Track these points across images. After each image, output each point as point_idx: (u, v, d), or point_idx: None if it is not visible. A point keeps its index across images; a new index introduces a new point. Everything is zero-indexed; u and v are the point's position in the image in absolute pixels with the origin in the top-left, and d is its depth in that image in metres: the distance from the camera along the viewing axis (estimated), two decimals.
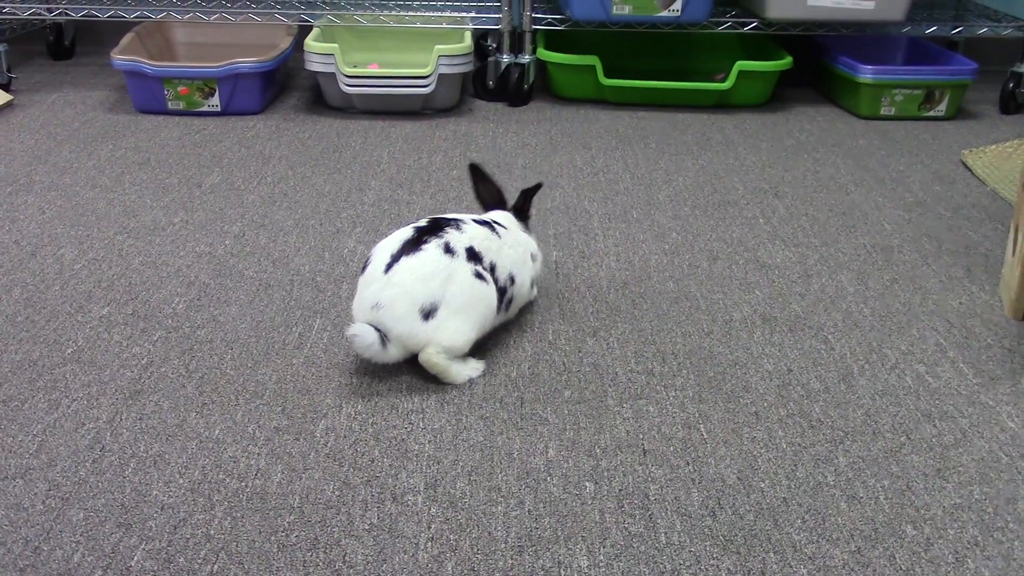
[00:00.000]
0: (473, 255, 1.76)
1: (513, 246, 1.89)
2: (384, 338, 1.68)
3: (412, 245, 1.72)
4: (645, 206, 2.57)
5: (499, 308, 1.82)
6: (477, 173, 2.04)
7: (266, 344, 1.86)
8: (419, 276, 1.69)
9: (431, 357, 1.70)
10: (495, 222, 1.90)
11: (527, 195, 2.04)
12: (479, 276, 1.75)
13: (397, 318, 1.68)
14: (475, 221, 1.84)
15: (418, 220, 1.81)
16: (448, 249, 1.73)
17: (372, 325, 1.68)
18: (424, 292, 1.68)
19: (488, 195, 2.04)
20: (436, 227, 1.77)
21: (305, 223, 2.40)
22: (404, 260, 1.70)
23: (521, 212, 2.04)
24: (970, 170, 2.90)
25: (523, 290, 1.91)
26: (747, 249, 2.33)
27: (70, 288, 2.06)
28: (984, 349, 1.91)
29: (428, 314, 1.69)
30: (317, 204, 2.52)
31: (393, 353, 1.71)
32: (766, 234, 2.42)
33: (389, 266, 1.70)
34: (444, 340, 1.70)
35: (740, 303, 2.07)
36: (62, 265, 2.16)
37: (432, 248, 1.72)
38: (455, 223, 1.80)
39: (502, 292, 1.82)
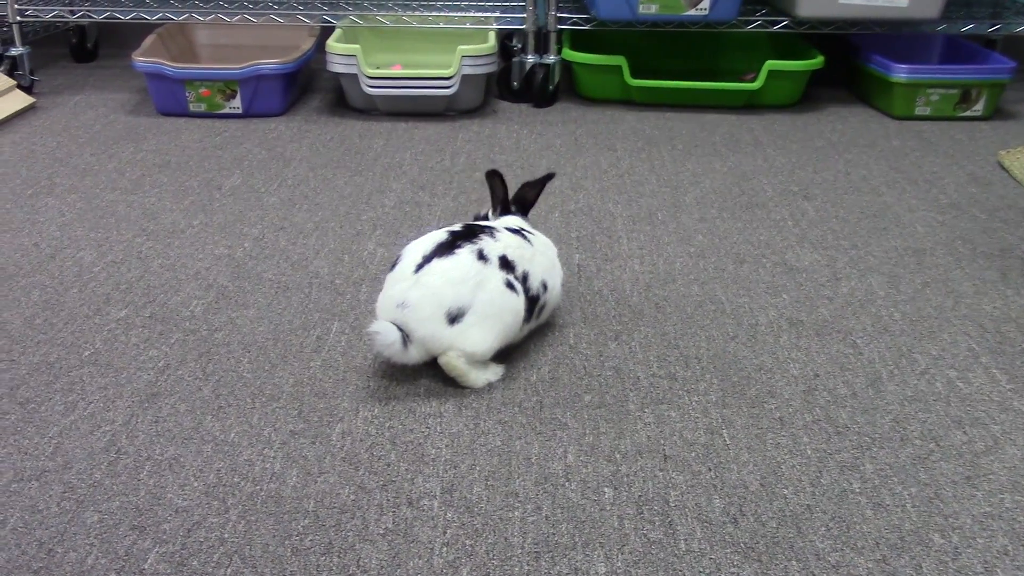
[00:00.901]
0: (506, 264, 1.76)
1: (544, 251, 1.90)
2: (406, 338, 1.69)
3: (446, 248, 1.74)
4: (671, 208, 2.56)
5: (531, 316, 1.83)
6: (495, 179, 2.03)
7: (283, 347, 1.88)
8: (450, 279, 1.70)
9: (451, 360, 1.71)
10: (523, 230, 1.91)
11: (535, 187, 2.03)
12: (510, 286, 1.75)
13: (422, 320, 1.69)
14: (508, 229, 1.85)
15: (452, 224, 1.82)
16: (482, 256, 1.74)
17: (395, 324, 1.69)
18: (453, 296, 1.69)
19: (498, 196, 2.03)
20: (471, 233, 1.78)
21: (325, 225, 2.42)
22: (436, 262, 1.71)
23: (523, 205, 2.03)
24: (1007, 171, 2.87)
25: (555, 293, 1.91)
26: (774, 252, 2.32)
27: (88, 291, 2.09)
28: (1018, 355, 1.89)
29: (454, 319, 1.69)
30: (337, 206, 2.54)
31: (413, 354, 1.72)
32: (794, 237, 2.41)
33: (420, 266, 1.72)
34: (466, 346, 1.71)
35: (766, 307, 2.06)
36: (81, 268, 2.19)
37: (466, 253, 1.73)
38: (490, 231, 1.81)
39: (534, 300, 1.82)
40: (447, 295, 1.69)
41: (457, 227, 1.81)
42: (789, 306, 2.07)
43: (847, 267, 2.25)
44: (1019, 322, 2.01)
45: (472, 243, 1.75)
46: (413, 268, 1.72)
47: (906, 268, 2.25)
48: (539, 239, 1.93)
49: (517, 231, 1.87)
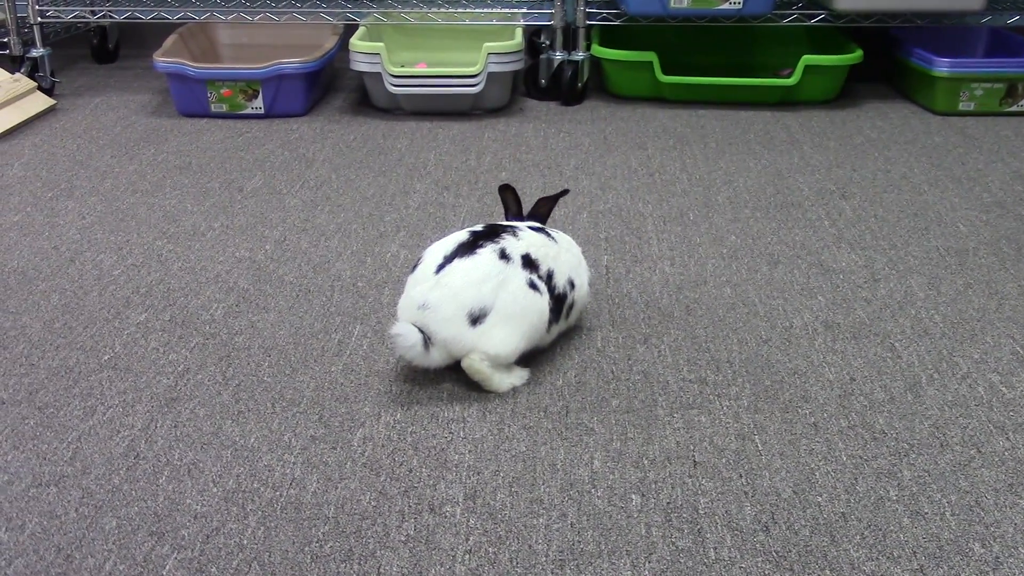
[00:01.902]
0: (529, 263, 1.77)
1: (569, 248, 1.91)
2: (427, 341, 1.70)
3: (467, 248, 1.75)
4: (703, 208, 2.56)
5: (559, 317, 1.83)
6: (507, 193, 2.02)
7: (304, 351, 1.89)
8: (471, 280, 1.71)
9: (474, 364, 1.72)
10: (546, 229, 1.92)
11: (548, 203, 2.03)
12: (533, 286, 1.76)
13: (443, 321, 1.70)
14: (531, 228, 1.86)
15: (474, 225, 1.84)
16: (504, 255, 1.75)
17: (416, 326, 1.70)
18: (475, 296, 1.70)
19: (512, 211, 2.02)
20: (493, 232, 1.79)
21: (347, 227, 2.44)
22: (457, 262, 1.73)
23: (538, 219, 2.01)
24: None
25: (583, 292, 1.92)
26: (810, 253, 2.31)
27: (108, 294, 2.12)
28: None
29: (476, 319, 1.70)
30: (360, 208, 2.56)
31: (435, 357, 1.73)
32: (831, 237, 2.40)
33: (441, 267, 1.73)
34: (489, 348, 1.72)
35: (801, 309, 2.05)
36: (101, 271, 2.22)
37: (487, 252, 1.74)
38: (512, 230, 1.82)
39: (560, 300, 1.82)
40: (468, 295, 1.70)
41: (479, 227, 1.82)
42: (825, 308, 2.06)
43: (886, 268, 2.24)
44: None
45: (494, 242, 1.76)
46: (434, 269, 1.73)
47: (947, 269, 2.24)
48: (563, 237, 1.94)
49: (540, 229, 1.88)
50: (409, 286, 1.76)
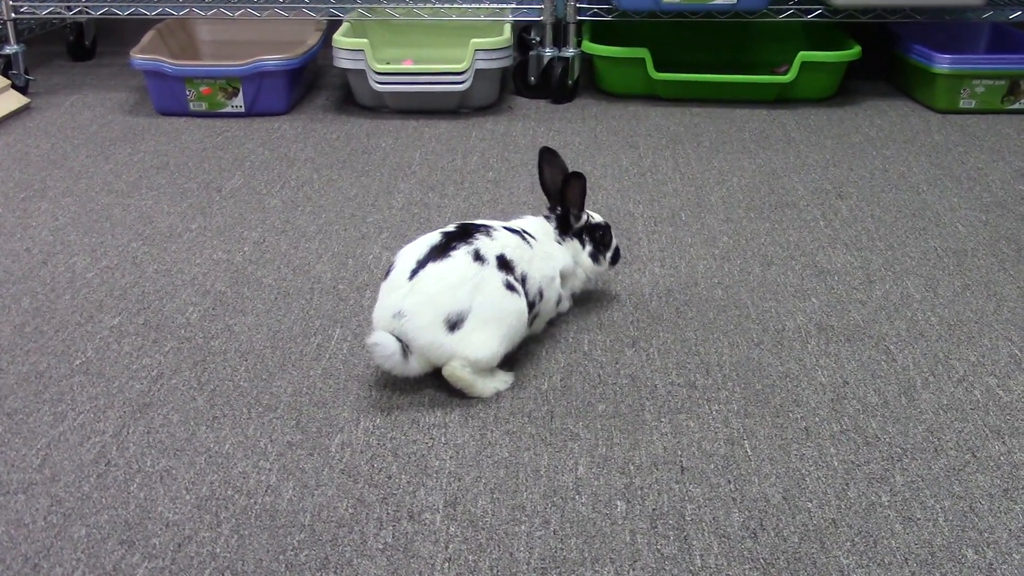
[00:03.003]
0: (504, 264, 1.77)
1: (544, 259, 1.90)
2: (406, 349, 1.71)
3: (440, 251, 1.75)
4: (695, 208, 2.58)
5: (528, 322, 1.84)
6: (546, 158, 1.99)
7: (282, 355, 1.90)
8: (446, 284, 1.71)
9: (455, 371, 1.73)
10: (525, 231, 1.91)
11: (575, 189, 1.97)
12: (510, 287, 1.76)
13: (420, 328, 1.70)
14: (506, 229, 1.86)
15: (446, 225, 1.84)
16: (478, 256, 1.75)
17: (394, 335, 1.71)
18: (451, 301, 1.70)
19: (552, 183, 1.99)
20: (466, 232, 1.79)
21: (329, 228, 2.45)
22: (431, 266, 1.73)
23: (563, 222, 2.00)
24: None
25: (549, 306, 1.91)
26: (804, 254, 2.33)
27: (81, 297, 2.12)
28: None
29: (454, 325, 1.71)
30: (342, 208, 2.57)
31: (415, 366, 1.73)
32: (826, 237, 2.41)
33: (414, 272, 1.73)
34: (470, 353, 1.72)
35: (794, 311, 2.07)
36: (73, 273, 2.23)
37: (461, 254, 1.74)
38: (485, 229, 1.82)
39: (530, 307, 1.82)
40: (444, 300, 1.70)
41: (451, 228, 1.82)
42: (818, 310, 2.07)
43: (882, 269, 2.25)
44: None
45: (468, 243, 1.76)
46: (407, 275, 1.72)
47: (945, 270, 2.25)
48: (542, 246, 1.92)
49: (516, 231, 1.88)
50: (383, 294, 1.76)
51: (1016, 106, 3.33)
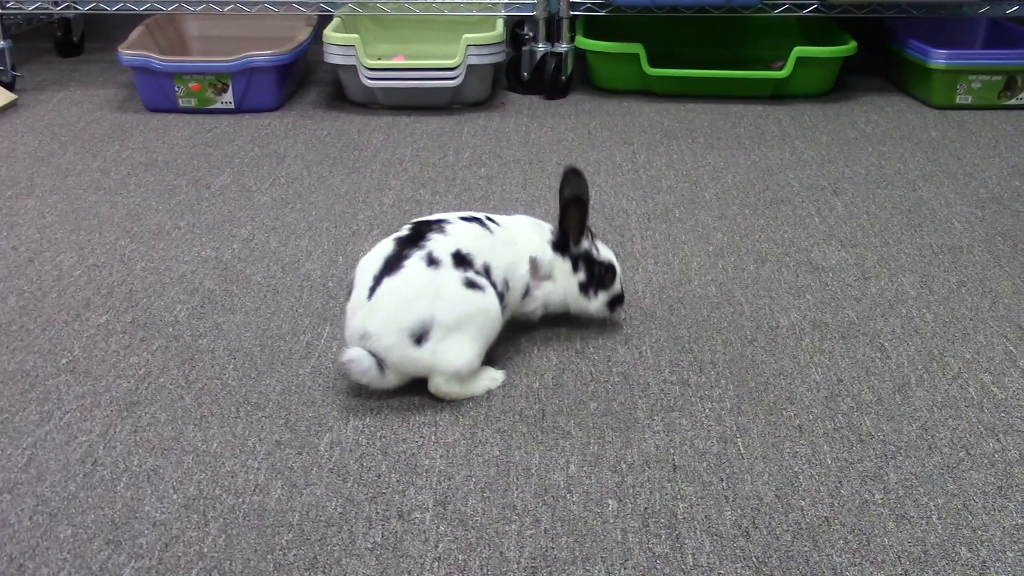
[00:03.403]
0: (461, 260, 1.73)
1: (507, 243, 1.84)
2: (381, 363, 1.70)
3: (393, 262, 1.71)
4: (689, 205, 2.58)
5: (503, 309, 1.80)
6: (570, 178, 1.92)
7: (271, 353, 1.90)
8: (403, 299, 1.68)
9: (440, 388, 1.74)
10: (488, 217, 1.86)
11: (574, 215, 1.89)
12: (471, 284, 1.73)
13: (387, 348, 1.69)
14: (462, 219, 1.81)
15: (401, 228, 1.80)
16: (431, 260, 1.71)
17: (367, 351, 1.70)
18: (410, 316, 1.68)
19: (571, 192, 1.91)
20: (418, 235, 1.75)
21: (319, 225, 2.45)
22: (386, 282, 1.70)
23: (562, 244, 1.92)
24: None
25: (515, 296, 1.85)
26: (799, 250, 2.33)
27: (68, 295, 2.12)
28: None
29: (420, 338, 1.69)
30: (333, 205, 2.57)
31: (392, 379, 1.73)
32: (821, 234, 2.42)
33: (372, 290, 1.70)
34: (447, 366, 1.71)
35: (788, 308, 2.07)
36: (61, 271, 2.23)
37: (413, 263, 1.70)
38: (438, 225, 1.77)
39: (500, 297, 1.78)
40: (404, 317, 1.68)
41: (405, 230, 1.78)
42: (813, 307, 2.08)
43: (877, 266, 2.26)
44: None
45: (420, 248, 1.72)
46: (367, 294, 1.70)
47: (940, 267, 2.25)
48: (506, 231, 1.85)
49: (474, 219, 1.83)
50: (348, 315, 1.74)
51: (1013, 102, 3.34)
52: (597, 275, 1.93)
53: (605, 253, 1.96)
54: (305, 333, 1.97)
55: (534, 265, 1.88)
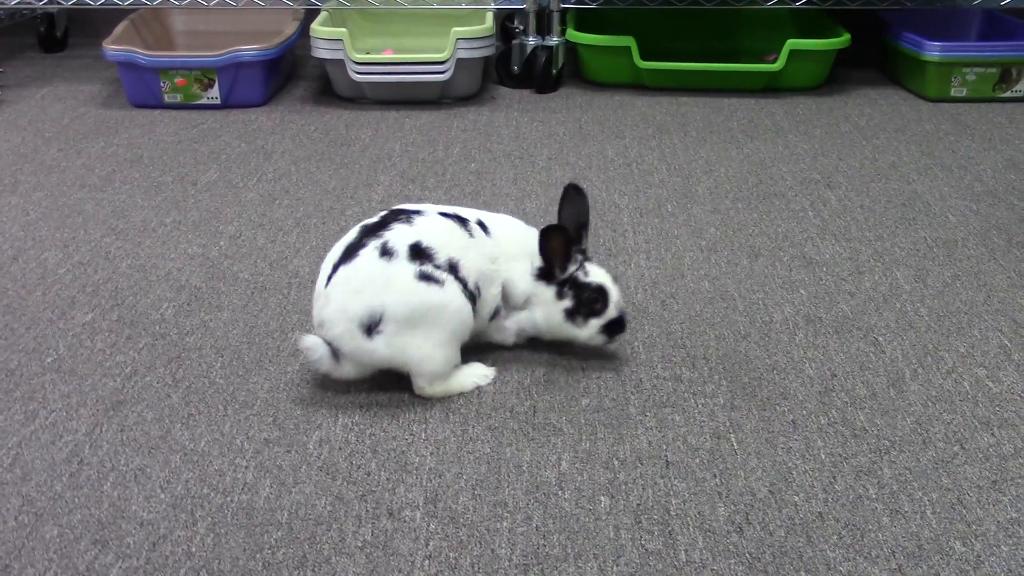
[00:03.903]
0: (419, 253, 1.70)
1: (487, 256, 1.79)
2: (336, 353, 1.71)
3: (351, 251, 1.71)
4: (681, 199, 2.59)
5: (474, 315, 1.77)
6: (570, 195, 1.86)
7: (259, 351, 1.91)
8: (351, 288, 1.68)
9: (424, 390, 1.75)
10: (479, 221, 1.81)
11: (555, 242, 1.79)
12: (425, 277, 1.69)
13: (339, 337, 1.69)
14: (440, 214, 1.78)
15: (375, 215, 1.80)
16: (385, 251, 1.69)
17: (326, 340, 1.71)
18: (359, 306, 1.67)
19: (570, 224, 1.84)
20: (382, 224, 1.73)
21: (306, 222, 2.45)
22: (341, 270, 1.70)
23: (546, 272, 1.83)
24: None
25: (485, 310, 1.81)
26: (793, 245, 2.34)
27: (53, 293, 2.12)
28: None
29: (370, 328, 1.68)
30: (320, 201, 2.57)
31: (351, 369, 1.74)
32: (815, 228, 2.43)
33: (329, 278, 1.71)
34: (420, 369, 1.72)
35: (782, 303, 2.08)
36: (45, 269, 2.23)
37: (367, 252, 1.70)
38: (407, 216, 1.75)
39: (472, 298, 1.75)
40: (352, 306, 1.67)
41: (377, 217, 1.77)
42: (807, 302, 2.09)
43: (871, 260, 2.27)
44: None
45: (378, 237, 1.71)
46: (324, 282, 1.71)
47: (935, 260, 2.27)
48: (492, 242, 1.81)
49: (455, 216, 1.79)
50: (313, 303, 1.75)
51: (1008, 94, 3.35)
52: (586, 301, 1.82)
53: (596, 276, 1.83)
54: (293, 330, 1.98)
55: (504, 292, 1.83)
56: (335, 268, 1.71)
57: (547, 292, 1.83)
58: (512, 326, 1.87)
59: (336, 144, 2.99)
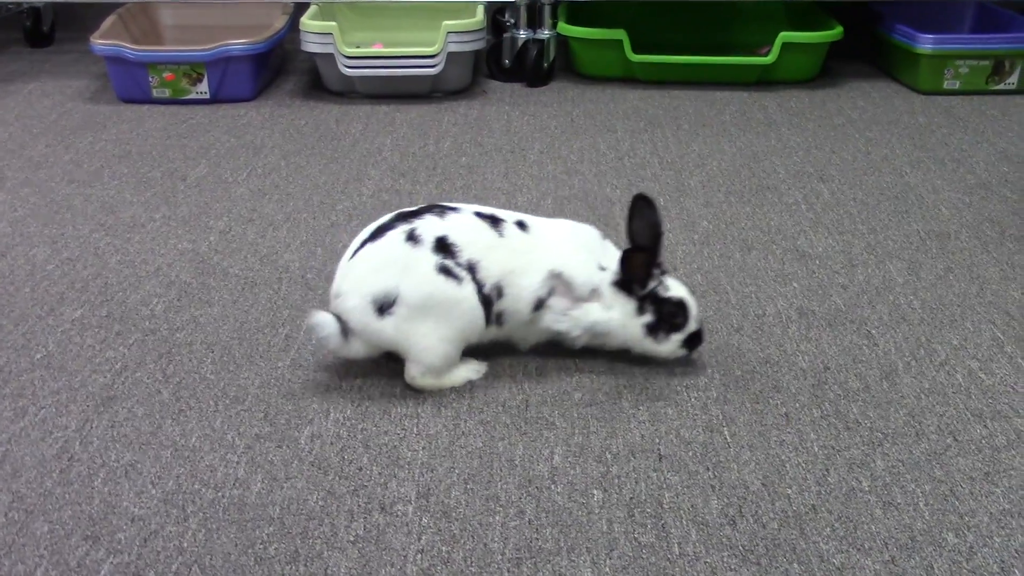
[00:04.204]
0: (443, 247, 1.72)
1: (519, 251, 1.78)
2: (345, 330, 1.73)
3: (380, 231, 1.75)
4: (674, 193, 2.60)
5: (488, 319, 1.77)
6: (639, 207, 1.82)
7: (249, 346, 1.91)
8: (372, 266, 1.72)
9: (415, 380, 1.76)
10: (519, 221, 1.81)
11: (637, 262, 1.79)
12: (444, 270, 1.72)
13: (351, 310, 1.73)
14: (475, 213, 1.80)
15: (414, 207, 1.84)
16: (411, 237, 1.72)
17: (336, 315, 1.74)
18: (375, 283, 1.70)
19: (639, 234, 1.81)
20: (416, 214, 1.77)
21: (297, 216, 2.46)
22: (367, 247, 1.74)
23: (625, 285, 1.80)
24: None
25: (518, 307, 1.79)
26: (785, 238, 2.35)
27: (41, 290, 2.13)
28: None
29: (382, 308, 1.70)
30: (311, 196, 2.58)
31: (356, 347, 1.75)
32: (808, 221, 2.44)
33: (355, 252, 1.76)
34: (420, 358, 1.73)
35: (775, 296, 2.09)
36: (34, 266, 2.23)
37: (393, 235, 1.73)
38: (442, 210, 1.78)
39: (487, 301, 1.76)
40: (370, 282, 1.71)
41: (414, 208, 1.80)
42: (799, 295, 2.10)
43: (864, 253, 2.28)
44: None
45: (408, 223, 1.74)
46: (351, 255, 1.76)
47: (928, 253, 2.28)
48: (529, 238, 1.79)
49: (488, 216, 1.80)
50: (335, 273, 1.79)
51: (1001, 87, 3.37)
52: (667, 316, 1.81)
53: (676, 290, 1.82)
54: (284, 325, 1.98)
55: (559, 280, 1.80)
56: (362, 245, 1.75)
57: (627, 305, 1.81)
58: (581, 316, 1.81)
59: (326, 139, 2.99)
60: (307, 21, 3.25)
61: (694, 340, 1.84)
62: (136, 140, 2.99)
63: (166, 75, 3.26)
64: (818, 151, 2.89)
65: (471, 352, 1.83)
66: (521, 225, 1.81)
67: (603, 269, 1.81)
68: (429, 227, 1.74)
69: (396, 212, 1.80)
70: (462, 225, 1.77)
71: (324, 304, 2.04)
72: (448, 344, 1.74)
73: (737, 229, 2.39)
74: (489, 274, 1.75)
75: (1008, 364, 1.85)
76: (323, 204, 2.53)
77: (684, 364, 1.85)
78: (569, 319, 1.81)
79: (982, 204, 2.53)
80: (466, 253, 1.74)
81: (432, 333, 1.72)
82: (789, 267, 2.21)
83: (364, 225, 2.29)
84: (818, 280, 2.16)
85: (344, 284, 1.74)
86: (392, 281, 1.70)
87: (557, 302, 1.80)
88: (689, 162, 2.80)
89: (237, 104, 3.29)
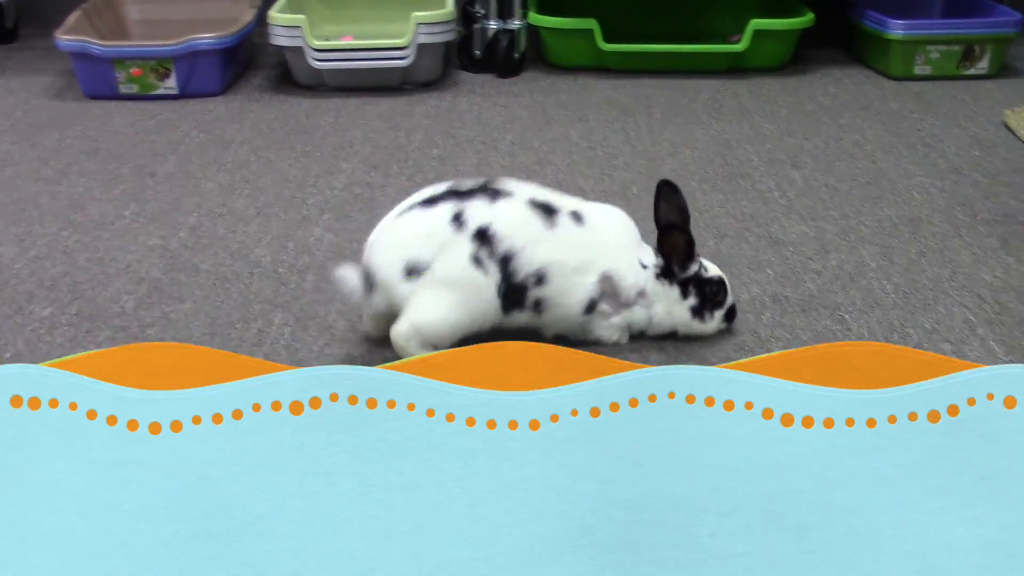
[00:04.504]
0: (483, 238, 1.74)
1: (573, 248, 1.78)
2: (370, 284, 1.77)
3: (432, 201, 1.78)
4: (647, 182, 2.61)
5: (522, 305, 1.79)
6: (664, 192, 1.85)
7: (221, 342, 1.91)
8: (413, 232, 1.75)
9: (399, 339, 1.75)
10: (574, 212, 1.80)
11: (677, 242, 1.84)
12: (477, 261, 1.74)
13: (380, 266, 1.76)
14: (529, 201, 1.78)
15: (476, 178, 1.83)
16: (457, 218, 1.74)
17: (364, 265, 1.78)
18: (411, 249, 1.74)
19: (668, 217, 1.85)
20: (470, 192, 1.77)
21: (268, 211, 2.45)
22: (416, 211, 1.78)
23: (666, 270, 1.85)
24: (1013, 132, 2.93)
25: (568, 302, 1.80)
26: (759, 225, 2.37)
27: (9, 289, 2.12)
28: (1017, 325, 1.94)
29: (411, 272, 1.73)
30: (281, 190, 2.57)
31: (378, 302, 1.78)
32: (781, 208, 2.46)
33: (403, 213, 1.80)
34: (415, 314, 1.74)
35: (748, 283, 2.10)
36: (1, 264, 2.22)
37: (441, 210, 1.76)
38: (493, 193, 1.77)
39: (520, 290, 1.76)
40: (407, 246, 1.74)
41: (470, 183, 1.80)
42: (773, 281, 2.11)
43: (837, 238, 2.30)
44: (1020, 291, 2.06)
45: (458, 202, 1.76)
46: (398, 213, 1.80)
47: (900, 238, 2.30)
48: (585, 233, 1.80)
49: (542, 204, 1.79)
50: (379, 224, 1.83)
51: (971, 72, 3.40)
52: (710, 295, 1.87)
53: (712, 269, 1.90)
54: (256, 320, 1.98)
55: (609, 284, 1.82)
56: (412, 207, 1.78)
57: (671, 292, 1.86)
58: (621, 322, 1.86)
59: (296, 132, 2.99)
60: (275, 14, 3.25)
61: (732, 312, 1.92)
62: (104, 137, 2.98)
63: (133, 70, 3.24)
64: (790, 138, 2.91)
65: (493, 335, 1.80)
66: (576, 217, 1.82)
67: (644, 267, 1.85)
68: (476, 213, 1.75)
69: (450, 184, 1.81)
70: (509, 215, 1.76)
71: (297, 298, 2.05)
72: (448, 326, 1.76)
73: (711, 216, 2.41)
74: (529, 262, 1.76)
75: (980, 346, 1.88)
76: (294, 198, 2.53)
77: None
78: (613, 329, 1.87)
79: (954, 188, 2.56)
80: (504, 244, 1.75)
81: (441, 304, 1.74)
82: (763, 254, 2.23)
83: (336, 219, 2.32)
84: (791, 266, 2.17)
85: (383, 236, 1.78)
86: (428, 254, 1.73)
87: (605, 307, 1.84)
88: (661, 151, 2.82)
89: (206, 99, 3.28)
